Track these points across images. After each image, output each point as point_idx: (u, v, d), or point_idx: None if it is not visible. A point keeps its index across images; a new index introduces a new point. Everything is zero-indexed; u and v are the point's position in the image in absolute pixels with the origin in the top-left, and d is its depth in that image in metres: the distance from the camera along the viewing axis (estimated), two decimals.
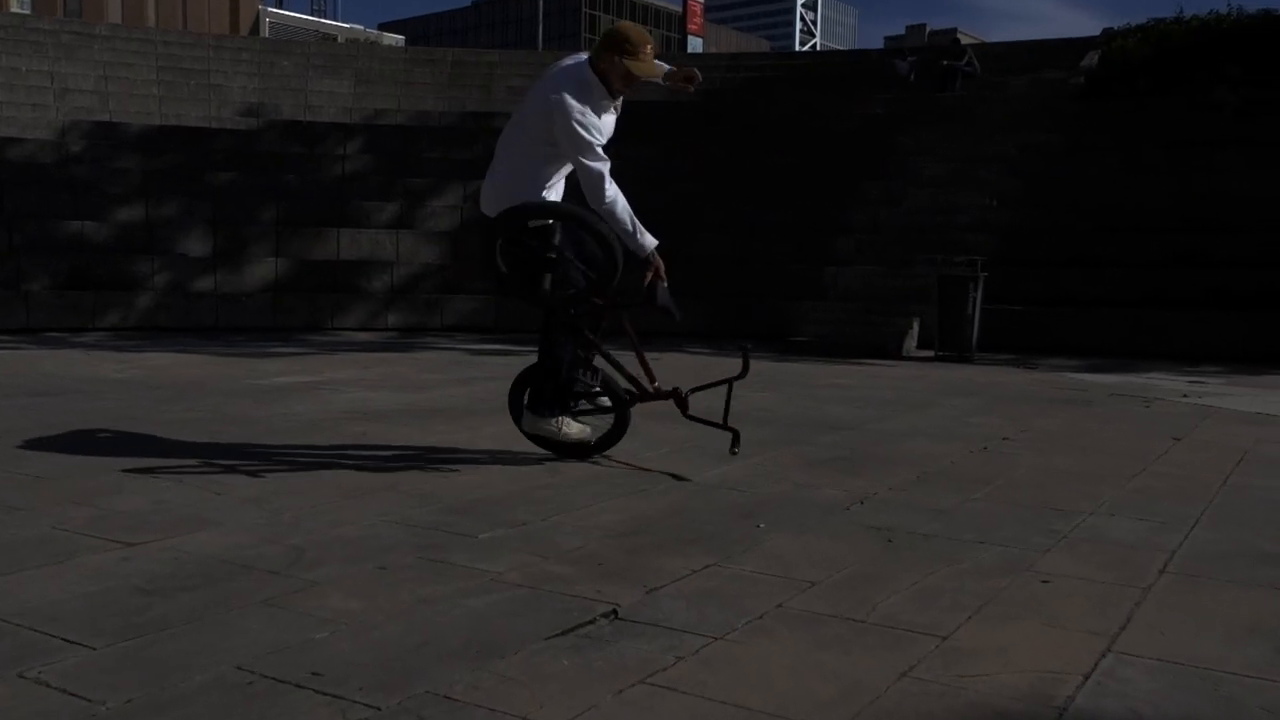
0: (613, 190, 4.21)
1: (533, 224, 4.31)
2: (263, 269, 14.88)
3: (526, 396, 4.66)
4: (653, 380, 4.64)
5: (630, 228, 4.25)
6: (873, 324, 12.26)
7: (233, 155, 17.16)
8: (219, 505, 3.79)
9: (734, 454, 4.64)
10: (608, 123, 4.33)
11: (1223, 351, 11.15)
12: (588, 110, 4.18)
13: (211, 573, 2.95)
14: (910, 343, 11.90)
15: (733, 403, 4.57)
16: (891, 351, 11.50)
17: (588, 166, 4.18)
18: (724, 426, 4.64)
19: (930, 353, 11.42)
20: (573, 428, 4.57)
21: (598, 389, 4.63)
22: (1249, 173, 13.57)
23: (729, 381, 4.61)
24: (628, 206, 4.27)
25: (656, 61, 4.40)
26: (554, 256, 4.32)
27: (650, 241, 4.29)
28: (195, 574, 2.94)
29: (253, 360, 9.91)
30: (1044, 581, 2.98)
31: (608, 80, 4.29)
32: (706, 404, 4.75)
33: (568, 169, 4.42)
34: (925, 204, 15.05)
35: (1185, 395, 7.89)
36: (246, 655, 2.32)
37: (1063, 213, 14.03)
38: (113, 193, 15.42)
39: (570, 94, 4.17)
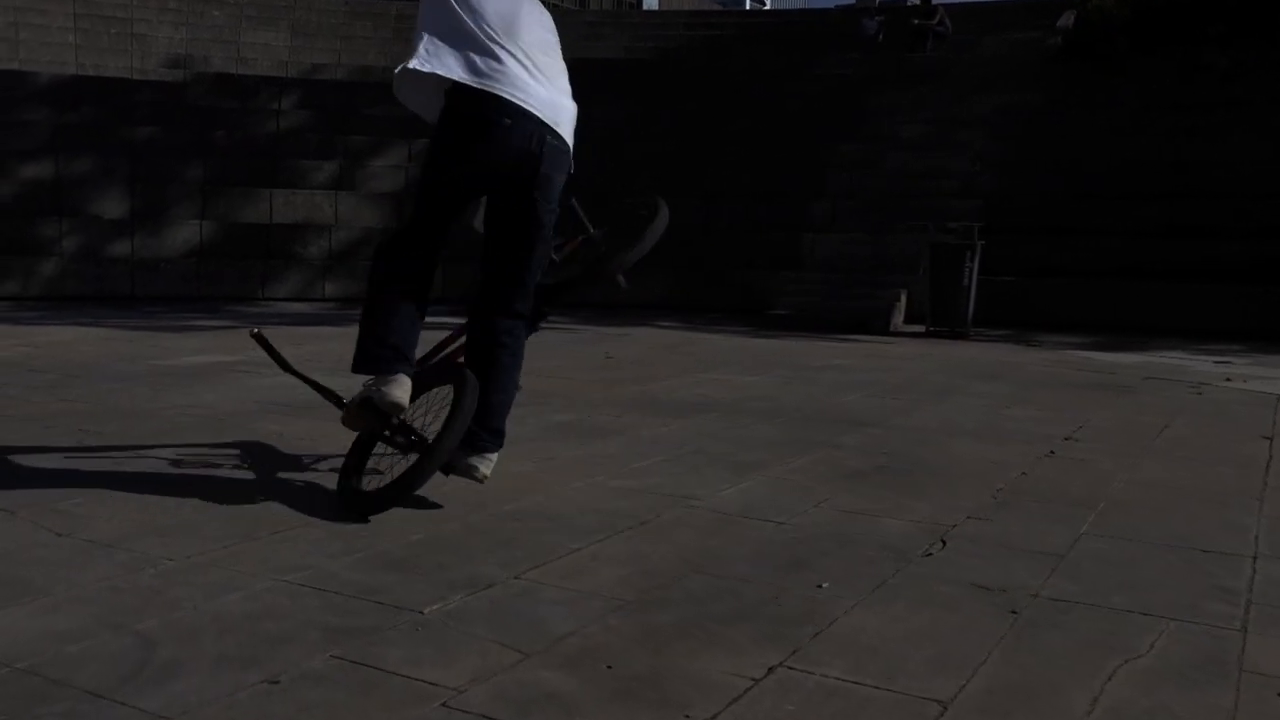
0: None
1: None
2: (186, 232, 13.52)
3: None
4: None
5: None
6: (856, 296, 11.28)
7: (156, 109, 15.68)
8: (54, 555, 2.68)
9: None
10: None
11: (1228, 327, 10.32)
12: None
13: None
14: (898, 317, 10.93)
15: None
16: (879, 327, 10.52)
17: None
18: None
19: (921, 328, 10.46)
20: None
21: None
22: (1240, 137, 12.77)
23: None
24: None
25: None
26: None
27: None
28: None
29: (166, 335, 8.69)
30: None
31: None
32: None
33: None
34: (903, 168, 14.07)
35: (1228, 379, 6.99)
36: None
37: (1049, 178, 13.14)
38: (17, 148, 13.93)
39: None
